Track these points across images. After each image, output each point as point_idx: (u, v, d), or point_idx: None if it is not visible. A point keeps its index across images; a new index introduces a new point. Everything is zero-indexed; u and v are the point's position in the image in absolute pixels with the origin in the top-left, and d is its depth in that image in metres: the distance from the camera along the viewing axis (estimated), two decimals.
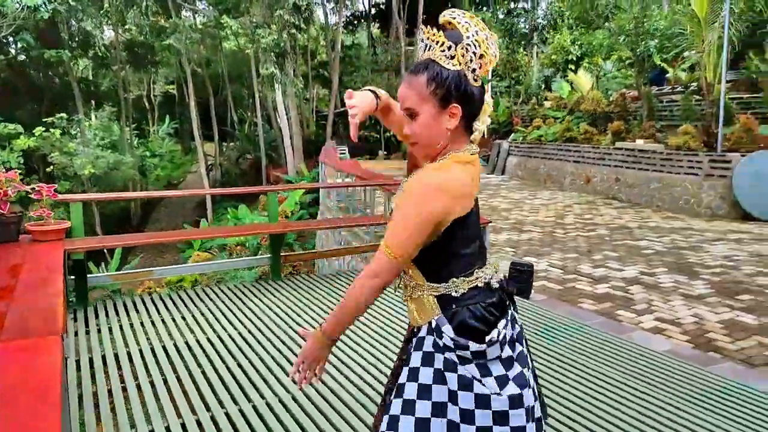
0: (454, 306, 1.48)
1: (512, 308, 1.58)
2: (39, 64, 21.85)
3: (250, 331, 3.89)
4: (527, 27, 23.71)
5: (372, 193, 8.36)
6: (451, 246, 1.49)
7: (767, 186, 8.55)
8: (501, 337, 1.47)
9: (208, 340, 3.74)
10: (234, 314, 4.27)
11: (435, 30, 1.48)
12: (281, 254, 5.39)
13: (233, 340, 3.74)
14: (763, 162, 8.69)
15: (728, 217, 8.88)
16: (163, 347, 3.62)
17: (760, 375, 3.51)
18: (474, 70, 1.46)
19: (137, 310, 4.33)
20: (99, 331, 3.87)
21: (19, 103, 22.06)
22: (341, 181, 10.64)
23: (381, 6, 29.31)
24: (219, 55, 26.49)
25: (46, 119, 18.87)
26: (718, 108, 9.26)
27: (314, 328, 1.68)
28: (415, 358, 1.52)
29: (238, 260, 6.74)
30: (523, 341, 1.59)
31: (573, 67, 17.64)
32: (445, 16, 1.50)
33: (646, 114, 12.17)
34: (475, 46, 1.44)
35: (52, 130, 18.40)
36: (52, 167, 18.91)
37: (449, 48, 1.44)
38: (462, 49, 1.44)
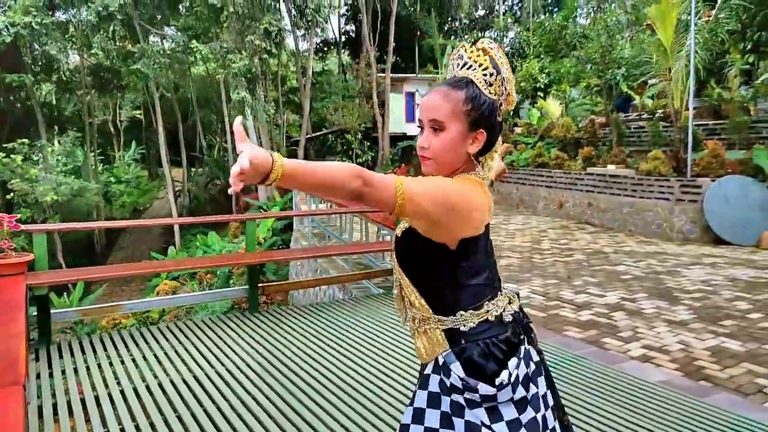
0: (463, 341, 1.39)
1: (527, 343, 1.48)
2: (0, 88, 21.20)
3: (228, 370, 3.67)
4: None
5: (349, 219, 8.22)
6: (458, 275, 1.41)
7: (737, 210, 8.72)
8: (513, 378, 1.37)
9: (183, 380, 3.50)
10: (210, 350, 4.03)
11: (479, 51, 1.44)
12: (259, 284, 5.18)
13: (210, 379, 3.51)
14: (731, 186, 8.87)
15: (700, 241, 9.00)
16: (134, 389, 3.37)
17: (751, 404, 3.45)
18: (501, 105, 1.46)
19: (104, 347, 4.06)
20: (63, 372, 3.60)
21: None
22: (315, 207, 10.48)
23: (351, 34, 29.56)
24: (188, 80, 26.16)
25: (6, 145, 18.25)
26: (686, 134, 9.46)
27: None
28: (420, 398, 1.42)
29: (215, 292, 6.47)
30: (541, 379, 1.48)
31: (541, 95, 17.95)
32: (483, 43, 1.47)
33: (615, 140, 12.39)
34: (506, 83, 1.45)
35: (12, 156, 17.79)
36: (12, 194, 18.23)
37: (491, 75, 1.42)
38: (499, 80, 1.43)
